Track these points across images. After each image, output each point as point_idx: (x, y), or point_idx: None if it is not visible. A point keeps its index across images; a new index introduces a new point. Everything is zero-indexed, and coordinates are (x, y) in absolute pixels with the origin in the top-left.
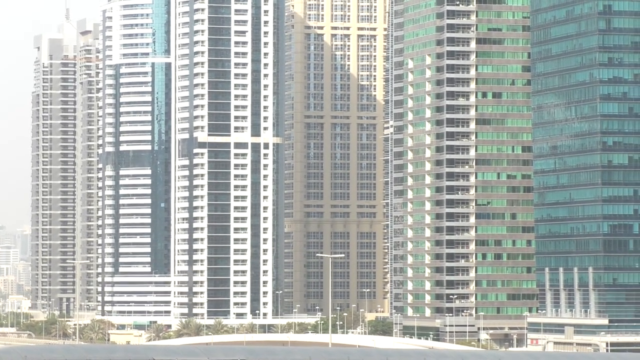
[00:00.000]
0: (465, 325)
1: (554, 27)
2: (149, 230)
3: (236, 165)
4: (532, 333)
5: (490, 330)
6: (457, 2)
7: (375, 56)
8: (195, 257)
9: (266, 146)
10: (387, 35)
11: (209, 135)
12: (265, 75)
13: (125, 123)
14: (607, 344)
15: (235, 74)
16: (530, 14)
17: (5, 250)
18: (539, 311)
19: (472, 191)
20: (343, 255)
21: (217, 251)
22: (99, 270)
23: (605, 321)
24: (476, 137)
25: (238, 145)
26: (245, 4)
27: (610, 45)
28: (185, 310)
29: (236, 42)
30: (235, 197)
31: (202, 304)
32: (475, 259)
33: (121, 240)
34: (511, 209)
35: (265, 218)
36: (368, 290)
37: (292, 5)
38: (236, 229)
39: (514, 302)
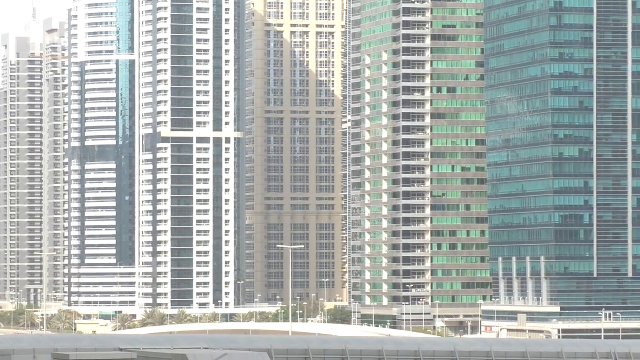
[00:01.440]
0: (421, 313)
1: (506, 24)
2: (113, 222)
3: (198, 159)
4: (486, 320)
5: (446, 318)
6: (413, 0)
7: (333, 52)
8: (158, 248)
9: (227, 140)
10: (345, 32)
11: (171, 130)
12: (227, 72)
13: (90, 118)
14: (558, 330)
15: (197, 70)
16: (483, 10)
17: None
18: (493, 299)
19: (428, 183)
20: (302, 246)
21: (180, 242)
22: (66, 261)
23: (556, 309)
24: (431, 130)
25: (200, 139)
26: (207, 2)
27: (561, 40)
28: (150, 300)
29: (198, 39)
30: (198, 190)
31: (165, 294)
32: (431, 249)
33: (87, 232)
34: (465, 200)
35: (226, 210)
36: (327, 279)
37: (253, 3)
38: (198, 221)
39: (468, 291)
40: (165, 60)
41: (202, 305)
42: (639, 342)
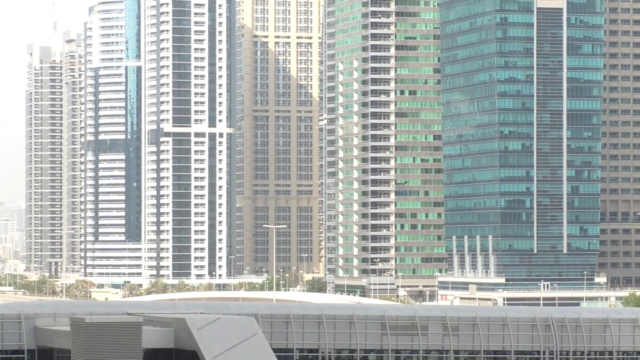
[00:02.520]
0: (387, 284)
1: (459, 36)
2: (123, 205)
3: (196, 152)
4: (442, 290)
5: (407, 288)
6: (380, 16)
7: (311, 60)
8: (162, 227)
9: (221, 135)
10: (321, 43)
11: (173, 126)
12: (220, 76)
13: (103, 116)
14: (504, 299)
15: (195, 75)
16: (440, 25)
17: (4, 222)
18: (448, 272)
19: (392, 173)
20: (285, 226)
21: (180, 223)
22: (82, 239)
23: (502, 280)
24: (395, 127)
25: (197, 134)
26: (203, 17)
27: (506, 51)
28: (154, 272)
29: (195, 49)
30: (195, 177)
31: (167, 266)
32: (395, 228)
33: (100, 214)
34: (425, 187)
35: (220, 195)
36: (306, 255)
37: (242, 18)
38: (196, 205)
39: (426, 265)
40: (167, 66)
41: (199, 276)
42: (572, 309)
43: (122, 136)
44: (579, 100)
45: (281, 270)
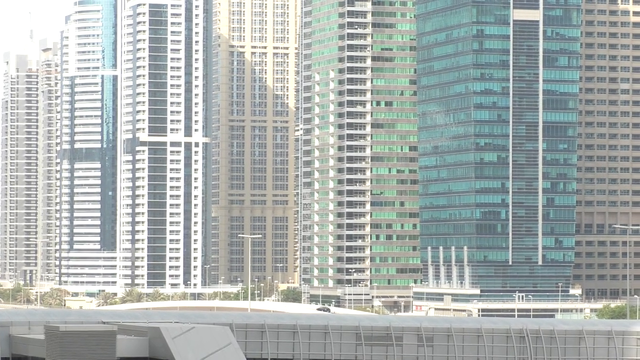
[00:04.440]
0: (362, 294)
1: (435, 48)
2: (98, 214)
3: (171, 161)
4: (417, 301)
5: (382, 298)
6: (356, 27)
7: (287, 70)
8: (137, 236)
9: (197, 145)
10: (298, 53)
11: (149, 135)
12: (196, 86)
13: (79, 125)
14: (478, 310)
15: (171, 85)
16: (416, 36)
17: None
18: (423, 283)
19: (368, 183)
20: (260, 235)
21: (156, 232)
22: (57, 247)
23: (477, 291)
24: (371, 138)
25: (173, 144)
26: (180, 26)
27: (482, 63)
28: (129, 281)
29: (172, 58)
30: (171, 187)
31: (142, 275)
32: (370, 239)
33: (75, 222)
34: (400, 198)
35: (195, 205)
36: (281, 264)
37: (219, 28)
38: (171, 214)
39: (402, 275)
40: (143, 75)
41: (174, 285)
42: (547, 320)
43: (98, 145)
44: (555, 112)
45: (256, 280)
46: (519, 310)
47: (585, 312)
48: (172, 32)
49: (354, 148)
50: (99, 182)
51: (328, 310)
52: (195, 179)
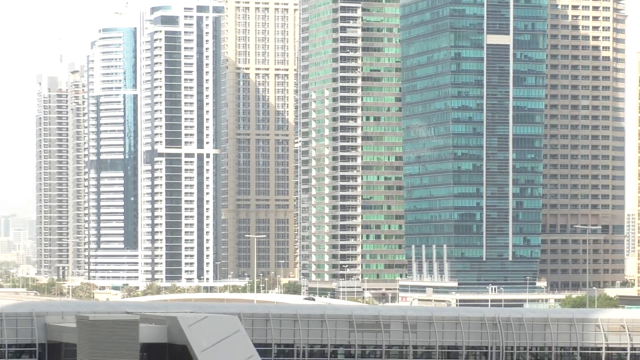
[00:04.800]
0: (354, 287)
1: (418, 69)
2: (122, 217)
3: (186, 170)
4: (403, 292)
5: (372, 291)
6: (348, 50)
7: (287, 89)
8: (156, 236)
9: (207, 156)
10: (297, 74)
11: (165, 147)
12: (207, 103)
13: (104, 138)
14: (456, 300)
15: (185, 102)
16: (401, 59)
17: (17, 232)
18: (407, 277)
19: (359, 189)
20: (264, 235)
21: (172, 233)
22: (86, 246)
23: (455, 284)
24: (362, 149)
25: (187, 155)
26: (192, 51)
27: (460, 82)
28: (149, 276)
29: (185, 79)
30: (185, 193)
31: (161, 271)
32: (361, 238)
33: (102, 224)
34: (388, 202)
35: (207, 209)
36: (283, 261)
37: (227, 52)
38: (186, 217)
39: (389, 270)
40: (160, 94)
41: (189, 279)
42: (516, 310)
43: (121, 156)
44: (523, 126)
45: (261, 274)
46: (492, 300)
47: (550, 302)
48: (185, 55)
49: (346, 158)
50: (122, 189)
51: (313, 299)
52: (207, 185)
